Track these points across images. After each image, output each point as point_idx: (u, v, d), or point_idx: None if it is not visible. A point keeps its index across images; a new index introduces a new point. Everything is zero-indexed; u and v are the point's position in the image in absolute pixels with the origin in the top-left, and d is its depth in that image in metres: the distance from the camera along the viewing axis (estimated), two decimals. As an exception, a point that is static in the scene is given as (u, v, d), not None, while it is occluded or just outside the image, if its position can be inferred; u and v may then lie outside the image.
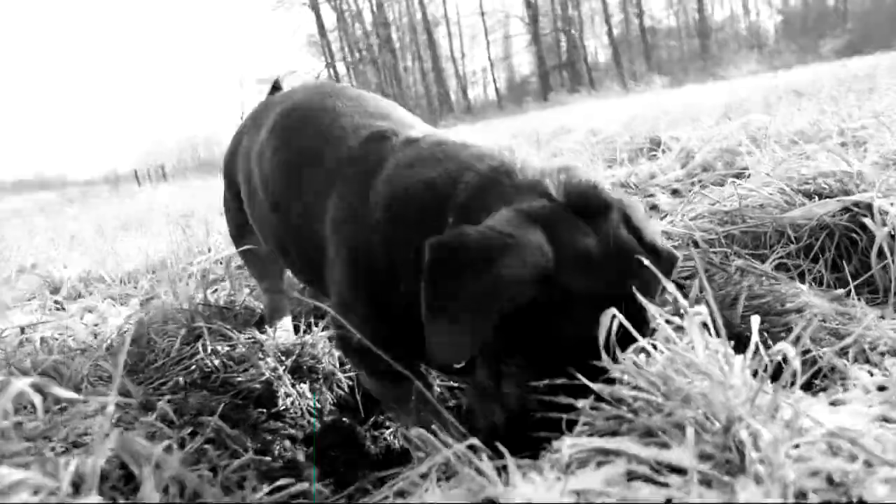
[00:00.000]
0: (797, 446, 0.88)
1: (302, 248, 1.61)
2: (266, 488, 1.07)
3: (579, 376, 1.01)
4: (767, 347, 0.95)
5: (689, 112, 5.77)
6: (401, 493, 1.06)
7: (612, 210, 1.09)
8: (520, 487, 0.94)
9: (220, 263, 2.60)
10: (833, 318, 1.36)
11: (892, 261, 1.49)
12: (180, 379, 1.79)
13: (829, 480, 0.82)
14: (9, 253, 4.98)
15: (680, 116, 5.44)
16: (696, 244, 1.71)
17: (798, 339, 1.02)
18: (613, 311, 0.97)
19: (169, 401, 1.65)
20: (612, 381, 1.02)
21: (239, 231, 2.17)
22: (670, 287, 1.01)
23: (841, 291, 1.50)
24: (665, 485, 0.89)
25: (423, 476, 1.04)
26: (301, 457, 1.58)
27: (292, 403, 1.77)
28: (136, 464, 0.97)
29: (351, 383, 1.90)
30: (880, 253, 1.53)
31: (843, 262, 1.68)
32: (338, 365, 1.93)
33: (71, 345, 2.08)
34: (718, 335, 0.96)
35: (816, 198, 1.76)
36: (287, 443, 1.64)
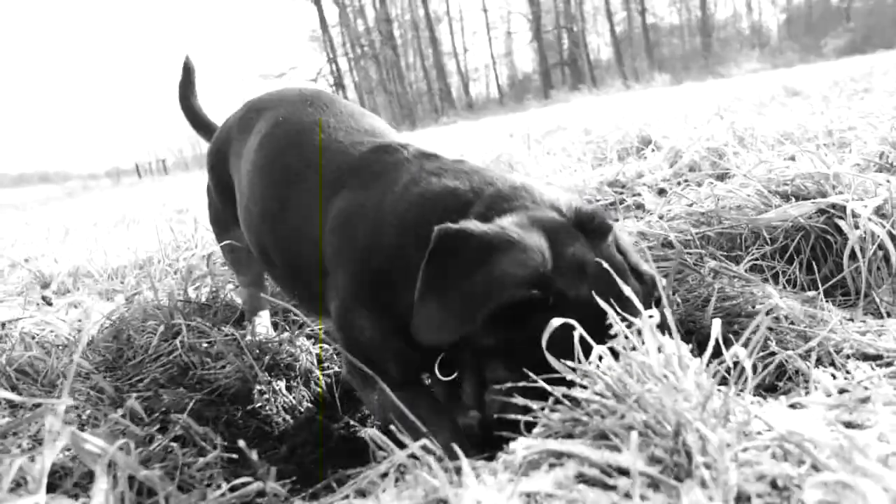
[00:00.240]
0: (745, 450, 0.88)
1: (291, 261, 1.61)
2: (224, 486, 1.07)
3: (537, 379, 1.02)
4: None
5: (684, 110, 5.76)
6: (361, 492, 1.07)
7: (611, 233, 1.17)
8: (471, 489, 0.94)
9: (204, 259, 2.60)
10: (801, 321, 1.36)
11: (864, 263, 1.48)
12: (156, 375, 1.80)
13: (773, 484, 0.82)
14: (2, 247, 4.99)
15: (674, 115, 5.43)
16: (671, 245, 1.71)
17: (749, 341, 1.02)
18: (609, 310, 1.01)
19: (142, 397, 1.65)
20: (572, 384, 1.03)
21: (221, 226, 2.17)
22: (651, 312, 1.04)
23: (812, 294, 1.50)
24: (613, 487, 0.89)
25: (384, 475, 1.05)
26: (276, 455, 1.59)
27: (267, 401, 1.77)
28: (93, 462, 0.97)
29: (328, 381, 1.90)
30: (853, 255, 1.53)
31: (819, 263, 1.68)
32: (315, 363, 1.93)
33: (52, 340, 2.08)
34: (671, 337, 0.97)
35: (794, 199, 1.76)
36: (259, 440, 1.65)
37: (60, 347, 1.99)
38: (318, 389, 1.90)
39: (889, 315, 1.44)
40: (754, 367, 1.23)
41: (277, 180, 1.64)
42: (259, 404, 1.75)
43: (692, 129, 3.62)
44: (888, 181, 1.64)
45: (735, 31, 46.37)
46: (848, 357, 1.26)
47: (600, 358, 1.01)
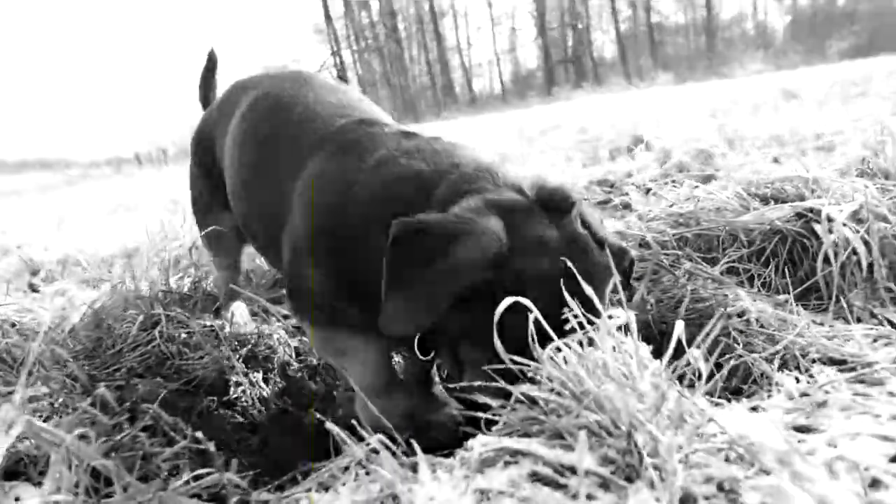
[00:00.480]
0: (696, 452, 0.88)
1: (269, 227, 1.62)
2: (185, 477, 1.08)
3: (497, 378, 1.03)
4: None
5: (681, 111, 5.75)
6: (323, 486, 1.08)
7: (575, 209, 1.18)
8: (426, 486, 0.94)
9: (188, 249, 2.60)
10: (770, 324, 1.37)
11: (836, 268, 1.48)
12: (134, 365, 1.80)
13: (720, 487, 0.83)
14: (-4, 233, 4.99)
15: (670, 115, 5.43)
16: (647, 246, 1.71)
17: (710, 343, 1.03)
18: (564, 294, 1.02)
19: (116, 386, 1.66)
20: (533, 381, 1.03)
21: (203, 209, 2.17)
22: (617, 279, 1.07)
23: (784, 297, 1.50)
24: (565, 486, 0.89)
25: (346, 469, 1.06)
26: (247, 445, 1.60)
27: (243, 392, 1.77)
28: (50, 450, 0.98)
29: (305, 373, 1.91)
30: (826, 259, 1.53)
31: (795, 267, 1.68)
32: (294, 355, 1.94)
33: (35, 328, 2.09)
34: (629, 336, 0.97)
35: (773, 202, 1.76)
36: (232, 431, 1.65)
37: (41, 335, 1.99)
38: (296, 382, 1.90)
39: (860, 320, 1.44)
40: (719, 369, 1.23)
41: (257, 149, 1.68)
42: (235, 395, 1.75)
43: (684, 129, 3.62)
44: (866, 186, 1.64)
45: (740, 31, 46.25)
46: (813, 361, 1.26)
47: (559, 350, 1.02)
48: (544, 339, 1.00)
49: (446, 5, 49.41)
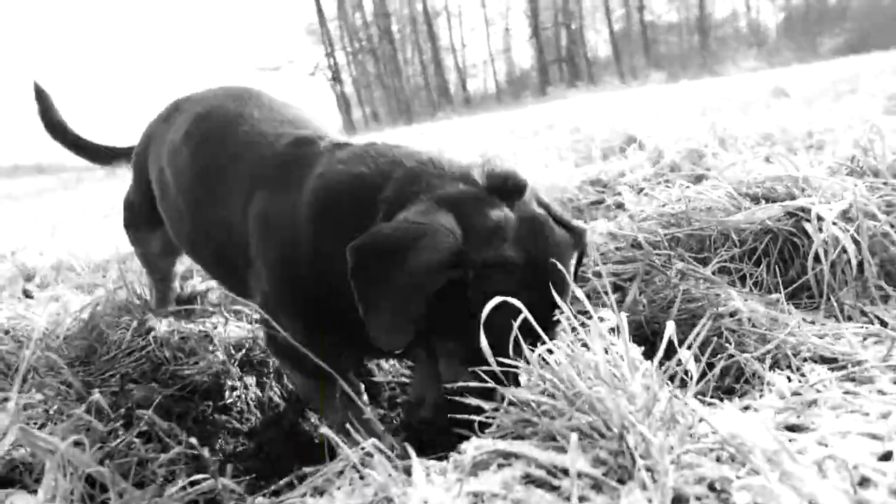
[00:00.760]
0: (687, 452, 0.89)
1: (217, 250, 1.64)
2: (181, 482, 1.08)
3: (488, 379, 1.03)
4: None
5: (674, 109, 5.77)
6: (319, 490, 1.08)
7: (527, 190, 1.18)
8: (420, 489, 0.95)
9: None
10: (762, 324, 1.37)
11: (826, 267, 1.49)
12: (128, 370, 1.80)
13: (712, 487, 0.83)
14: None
15: (663, 113, 5.44)
16: (639, 246, 1.72)
17: (701, 344, 1.03)
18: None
19: (111, 393, 1.66)
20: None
21: (136, 226, 2.18)
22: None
23: (775, 296, 1.51)
24: (557, 488, 0.90)
25: (341, 473, 1.06)
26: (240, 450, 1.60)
27: (239, 397, 1.78)
28: (44, 457, 0.98)
29: (300, 378, 1.91)
30: (817, 258, 1.54)
31: (787, 266, 1.69)
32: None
33: (29, 335, 2.08)
34: (621, 338, 0.98)
35: (764, 202, 1.77)
36: (228, 437, 1.65)
37: (35, 341, 1.99)
38: (290, 386, 1.90)
39: (850, 318, 1.45)
40: (711, 369, 1.24)
41: (203, 172, 1.66)
42: (230, 400, 1.75)
43: (676, 128, 3.63)
44: (856, 185, 1.65)
45: (733, 29, 46.35)
46: (805, 360, 1.27)
47: (550, 352, 1.02)
48: (521, 325, 1.00)
49: (440, 6, 49.41)
